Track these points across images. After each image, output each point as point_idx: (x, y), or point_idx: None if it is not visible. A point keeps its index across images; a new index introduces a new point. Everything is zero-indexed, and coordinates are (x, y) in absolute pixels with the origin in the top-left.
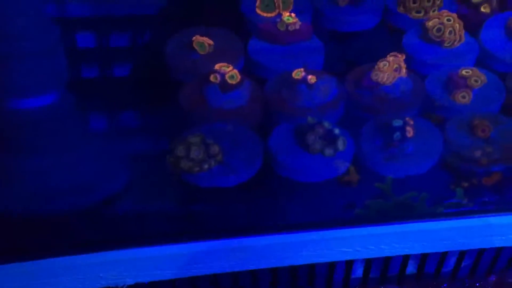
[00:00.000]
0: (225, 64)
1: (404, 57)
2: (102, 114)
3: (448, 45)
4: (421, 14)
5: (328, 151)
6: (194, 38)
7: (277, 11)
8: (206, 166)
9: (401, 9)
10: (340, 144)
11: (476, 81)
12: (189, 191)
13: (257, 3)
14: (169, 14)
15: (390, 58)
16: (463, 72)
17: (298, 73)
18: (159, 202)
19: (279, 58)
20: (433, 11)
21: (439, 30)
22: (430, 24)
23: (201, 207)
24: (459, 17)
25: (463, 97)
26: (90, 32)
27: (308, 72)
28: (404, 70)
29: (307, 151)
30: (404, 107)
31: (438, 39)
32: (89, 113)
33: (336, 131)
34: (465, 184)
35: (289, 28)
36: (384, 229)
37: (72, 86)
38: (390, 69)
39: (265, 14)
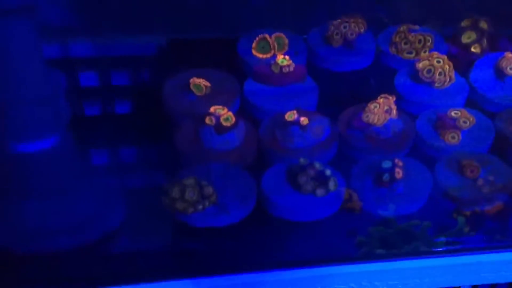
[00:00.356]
0: (220, 106)
1: (394, 98)
2: (100, 154)
3: (439, 85)
4: (413, 55)
5: (320, 192)
6: (191, 80)
7: (272, 52)
8: (200, 207)
9: (393, 50)
10: (332, 185)
11: (465, 122)
12: (183, 230)
13: (253, 45)
14: (169, 56)
15: (381, 100)
16: (452, 113)
17: (291, 115)
18: (154, 240)
19: (274, 100)
20: (424, 52)
21: (429, 71)
22: (420, 65)
23: (195, 246)
24: (450, 57)
25: (453, 137)
26: (90, 72)
27: (301, 113)
28: (394, 112)
29: (299, 192)
30: (395, 147)
31: (428, 80)
32: (87, 153)
33: (328, 172)
34: (467, 213)
35: (283, 70)
36: (377, 266)
37: (71, 126)
38: (381, 110)
39: (260, 56)
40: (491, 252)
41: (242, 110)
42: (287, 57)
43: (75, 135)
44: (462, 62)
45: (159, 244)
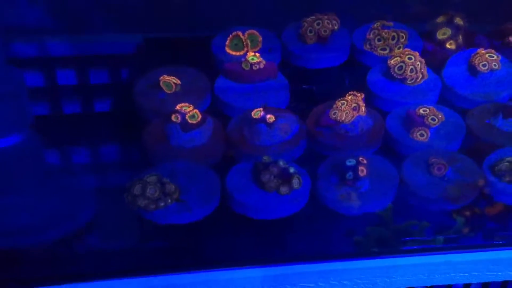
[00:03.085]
0: (187, 104)
1: (362, 96)
2: (68, 151)
3: (411, 82)
4: (386, 52)
5: (284, 190)
6: (161, 77)
7: (245, 49)
8: (162, 204)
9: (367, 47)
10: (295, 183)
11: (433, 119)
12: (147, 227)
13: (227, 42)
14: (145, 54)
15: (349, 97)
16: (421, 110)
17: (257, 113)
18: (117, 237)
19: (244, 97)
20: (398, 48)
21: (400, 68)
22: (392, 62)
23: (157, 243)
24: (425, 53)
25: (421, 135)
26: (66, 70)
27: (267, 111)
28: (363, 109)
29: (263, 190)
30: (364, 144)
31: (400, 77)
32: (54, 150)
33: (292, 169)
34: (467, 213)
35: (253, 67)
36: (344, 265)
37: (38, 123)
38: (348, 108)
39: (233, 53)
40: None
41: (213, 108)
42: (257, 54)
43: (44, 133)
44: (437, 58)
45: (122, 241)
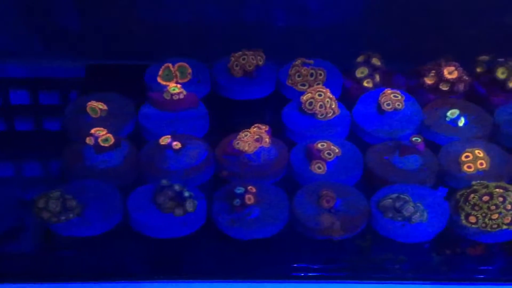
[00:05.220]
0: (101, 128)
1: (267, 128)
2: None
3: (321, 117)
4: (306, 87)
5: (178, 212)
6: (88, 103)
7: (174, 80)
8: (63, 218)
9: (289, 82)
10: (189, 206)
11: (329, 154)
12: (53, 239)
13: (160, 72)
14: (89, 79)
15: (253, 129)
16: (319, 145)
17: (164, 140)
18: (24, 245)
19: (165, 124)
20: (317, 84)
21: (310, 103)
22: (304, 98)
23: (58, 254)
24: (345, 90)
25: (319, 167)
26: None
27: (175, 138)
28: (266, 140)
29: (160, 211)
30: (265, 174)
31: (310, 112)
32: None
33: (186, 193)
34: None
35: (174, 97)
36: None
37: None
38: (251, 139)
39: (164, 83)
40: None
41: (137, 133)
42: (178, 85)
43: None
44: (354, 95)
45: (27, 248)
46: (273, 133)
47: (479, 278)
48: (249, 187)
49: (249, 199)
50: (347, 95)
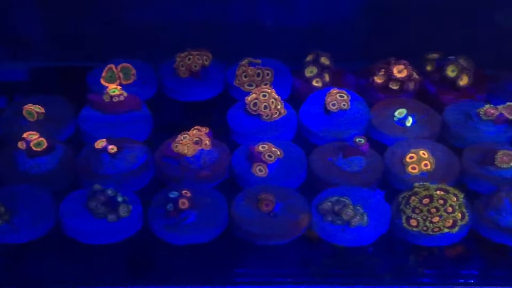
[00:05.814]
0: (34, 132)
1: (207, 130)
2: None
3: (267, 118)
4: (253, 87)
5: (111, 217)
6: (25, 106)
7: (118, 82)
8: None
9: (236, 82)
10: (123, 211)
11: (270, 156)
12: None
13: (103, 74)
14: (33, 82)
15: (193, 131)
16: (260, 147)
17: (100, 143)
18: None
19: (105, 127)
20: (265, 84)
21: (255, 104)
22: (248, 99)
23: None
24: (294, 90)
25: (260, 170)
26: None
27: (111, 142)
28: (207, 143)
29: (92, 216)
30: (205, 178)
31: (255, 113)
32: None
33: (120, 198)
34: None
35: (113, 99)
36: None
37: None
38: (190, 142)
39: (107, 85)
40: None
41: (76, 136)
42: (119, 87)
43: None
44: (304, 95)
45: None
46: (220, 135)
47: (420, 282)
48: (184, 191)
49: (183, 204)
50: (297, 95)
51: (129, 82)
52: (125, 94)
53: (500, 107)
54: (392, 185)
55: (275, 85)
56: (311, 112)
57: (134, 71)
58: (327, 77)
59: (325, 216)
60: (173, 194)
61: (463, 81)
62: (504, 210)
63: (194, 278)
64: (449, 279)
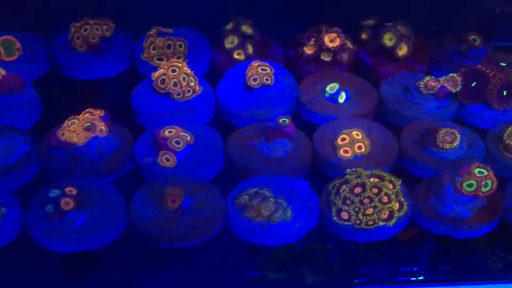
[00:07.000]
0: None
1: (102, 114)
2: None
3: (178, 97)
4: (164, 62)
5: None
6: None
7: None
8: None
9: (144, 56)
10: None
11: (177, 142)
12: None
13: None
14: None
15: (83, 116)
16: (166, 132)
17: None
18: None
19: None
20: (178, 57)
21: (163, 81)
22: (155, 75)
23: None
24: (213, 64)
25: (167, 159)
26: None
27: None
28: (102, 129)
29: None
30: (101, 171)
31: (163, 91)
32: None
33: None
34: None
35: None
36: None
37: None
38: (79, 128)
39: None
40: None
41: None
42: None
43: None
44: (225, 70)
45: None
46: (125, 120)
47: (354, 282)
48: (68, 189)
49: (67, 204)
50: (217, 70)
51: (13, 58)
52: (3, 72)
53: (442, 79)
54: (323, 172)
55: (190, 58)
56: (230, 89)
57: (19, 45)
58: (250, 49)
59: (243, 212)
60: (53, 193)
61: (402, 50)
62: (446, 197)
63: None
64: (387, 277)
